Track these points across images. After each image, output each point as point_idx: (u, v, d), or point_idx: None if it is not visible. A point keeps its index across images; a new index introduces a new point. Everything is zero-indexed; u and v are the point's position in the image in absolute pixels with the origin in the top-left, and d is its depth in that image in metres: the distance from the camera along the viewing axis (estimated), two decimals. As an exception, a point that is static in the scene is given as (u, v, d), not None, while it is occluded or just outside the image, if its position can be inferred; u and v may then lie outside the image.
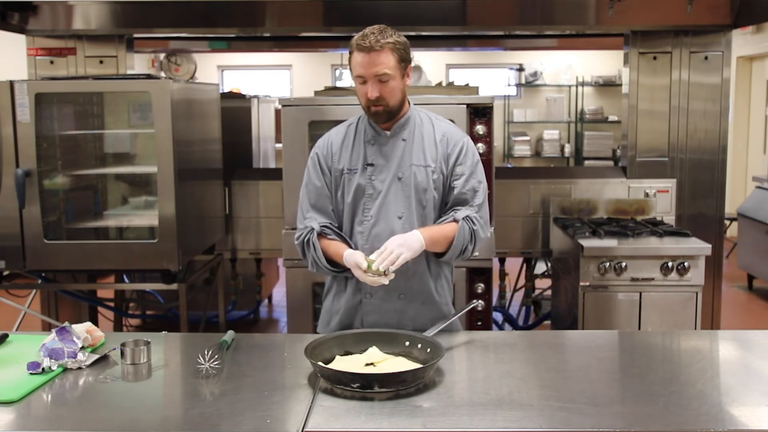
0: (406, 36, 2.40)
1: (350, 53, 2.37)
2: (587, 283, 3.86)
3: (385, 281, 2.26)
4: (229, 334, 2.36)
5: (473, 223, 2.40)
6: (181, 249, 3.75)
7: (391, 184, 2.42)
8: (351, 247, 2.41)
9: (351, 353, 2.17)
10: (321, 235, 2.43)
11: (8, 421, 1.82)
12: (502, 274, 4.99)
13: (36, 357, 2.14)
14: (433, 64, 10.13)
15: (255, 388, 1.98)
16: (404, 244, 2.28)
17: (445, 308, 2.51)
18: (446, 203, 2.47)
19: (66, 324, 2.20)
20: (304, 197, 2.51)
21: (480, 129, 3.77)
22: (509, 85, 10.51)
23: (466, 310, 2.53)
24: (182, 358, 2.27)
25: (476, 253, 2.54)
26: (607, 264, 3.83)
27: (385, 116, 2.40)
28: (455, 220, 2.40)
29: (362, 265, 2.26)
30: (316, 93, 4.19)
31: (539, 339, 2.62)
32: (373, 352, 2.16)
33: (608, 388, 2.07)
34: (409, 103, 2.49)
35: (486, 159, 3.79)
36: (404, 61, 2.37)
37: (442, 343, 2.12)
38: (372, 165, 2.44)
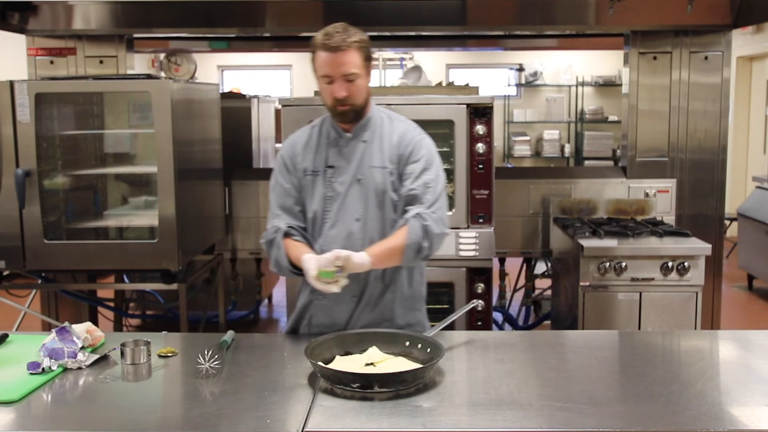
0: (405, 36, 2.40)
1: (313, 52, 2.34)
2: (587, 283, 3.86)
3: (336, 289, 2.21)
4: (229, 334, 2.36)
5: (424, 219, 2.31)
6: (181, 249, 3.75)
7: (350, 186, 2.41)
8: (313, 251, 2.39)
9: (351, 353, 2.17)
10: (287, 235, 2.42)
11: (8, 421, 1.82)
12: (502, 274, 4.99)
13: (36, 357, 2.14)
14: (433, 64, 10.14)
15: (255, 388, 1.98)
16: (348, 260, 2.19)
17: (388, 312, 2.45)
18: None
19: (66, 324, 2.20)
20: (272, 199, 2.52)
21: (480, 129, 3.77)
22: (509, 85, 10.51)
23: (466, 309, 2.53)
24: (182, 358, 2.27)
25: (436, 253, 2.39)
26: (607, 264, 3.83)
27: (352, 115, 2.40)
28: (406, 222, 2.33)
29: (311, 272, 2.21)
30: (316, 93, 4.18)
31: (539, 339, 2.62)
32: (373, 352, 2.16)
33: (608, 388, 2.07)
34: (370, 103, 2.47)
35: (486, 159, 3.80)
36: (368, 59, 2.36)
37: (442, 343, 2.12)
38: (332, 167, 2.43)
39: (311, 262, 2.23)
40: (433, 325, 2.37)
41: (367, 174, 2.41)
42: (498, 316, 4.99)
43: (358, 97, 2.36)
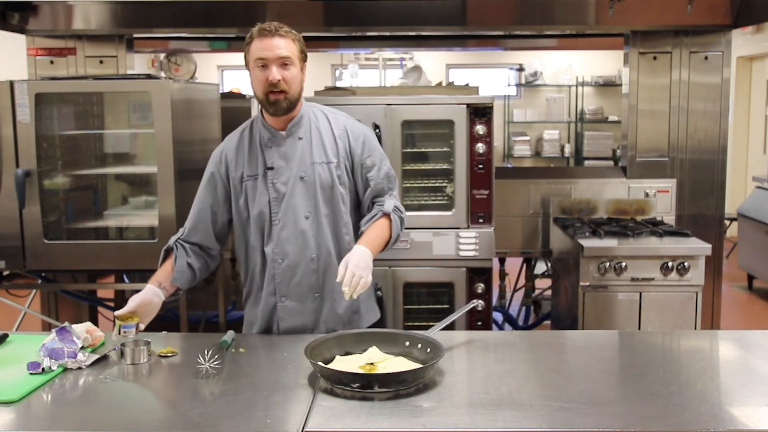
0: (405, 36, 2.41)
1: (247, 44, 2.36)
2: (587, 283, 3.86)
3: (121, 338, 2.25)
4: (229, 334, 2.36)
5: (401, 211, 2.50)
6: (181, 249, 3.74)
7: (294, 185, 2.41)
8: (174, 272, 2.46)
9: (351, 353, 2.17)
10: (171, 249, 2.50)
11: (8, 421, 1.82)
12: (502, 274, 4.99)
13: (36, 357, 2.14)
14: (433, 64, 10.14)
15: (255, 388, 1.98)
16: (367, 267, 2.27)
17: (353, 302, 2.44)
18: (359, 197, 2.51)
19: (66, 324, 2.20)
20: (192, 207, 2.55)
21: (480, 129, 3.77)
22: (509, 85, 10.51)
23: (466, 309, 2.53)
24: (182, 358, 2.27)
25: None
26: (607, 264, 3.83)
27: (285, 105, 2.36)
28: (385, 214, 2.44)
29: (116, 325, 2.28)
30: (316, 93, 4.19)
31: (539, 339, 2.62)
32: (373, 352, 2.16)
33: (608, 388, 2.07)
34: (302, 101, 2.48)
35: (486, 159, 3.80)
36: (303, 54, 2.40)
37: (442, 343, 2.12)
38: (272, 168, 2.42)
39: (125, 307, 2.31)
40: (432, 325, 2.37)
41: (310, 171, 2.41)
42: (498, 316, 4.99)
43: (292, 86, 2.35)
